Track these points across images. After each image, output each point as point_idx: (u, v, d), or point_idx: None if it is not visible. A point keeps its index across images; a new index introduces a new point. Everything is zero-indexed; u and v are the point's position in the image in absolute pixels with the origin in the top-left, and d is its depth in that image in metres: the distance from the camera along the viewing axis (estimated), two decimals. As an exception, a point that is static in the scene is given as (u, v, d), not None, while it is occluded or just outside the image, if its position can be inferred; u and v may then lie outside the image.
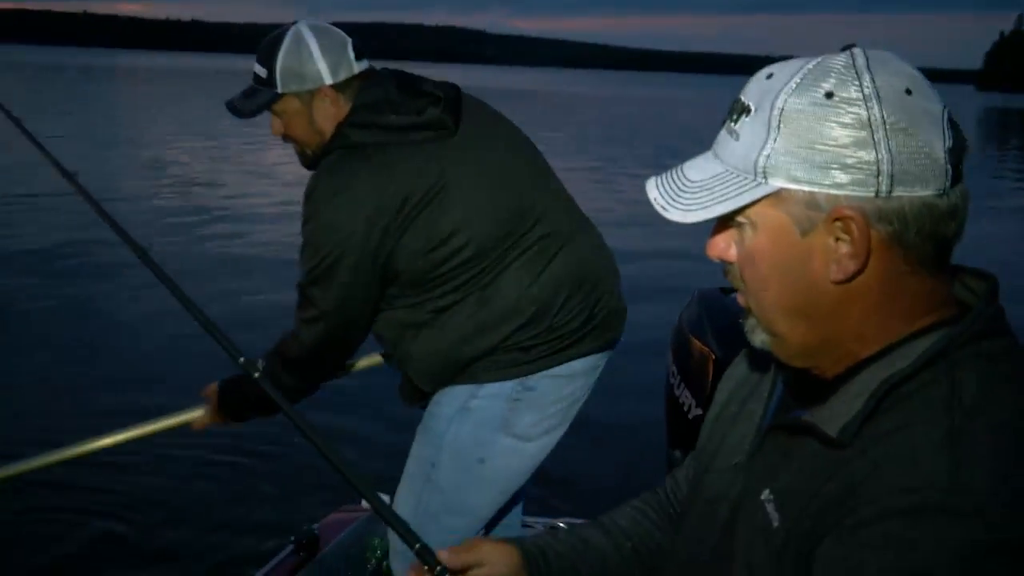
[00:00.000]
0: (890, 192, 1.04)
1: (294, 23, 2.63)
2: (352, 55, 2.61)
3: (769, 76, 1.11)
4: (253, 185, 17.10)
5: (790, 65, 1.10)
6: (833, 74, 1.06)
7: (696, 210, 1.13)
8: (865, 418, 1.06)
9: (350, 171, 2.50)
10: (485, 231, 2.54)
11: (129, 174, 17.03)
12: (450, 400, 2.60)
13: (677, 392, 3.19)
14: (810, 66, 1.08)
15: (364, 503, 3.40)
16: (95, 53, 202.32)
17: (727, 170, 1.12)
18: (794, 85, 1.07)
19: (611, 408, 4.76)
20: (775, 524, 1.13)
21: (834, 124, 1.04)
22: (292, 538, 3.15)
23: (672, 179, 1.18)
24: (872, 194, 1.04)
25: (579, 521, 3.59)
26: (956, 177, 1.06)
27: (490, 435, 2.60)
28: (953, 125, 1.07)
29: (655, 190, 1.18)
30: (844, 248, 1.07)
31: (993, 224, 14.60)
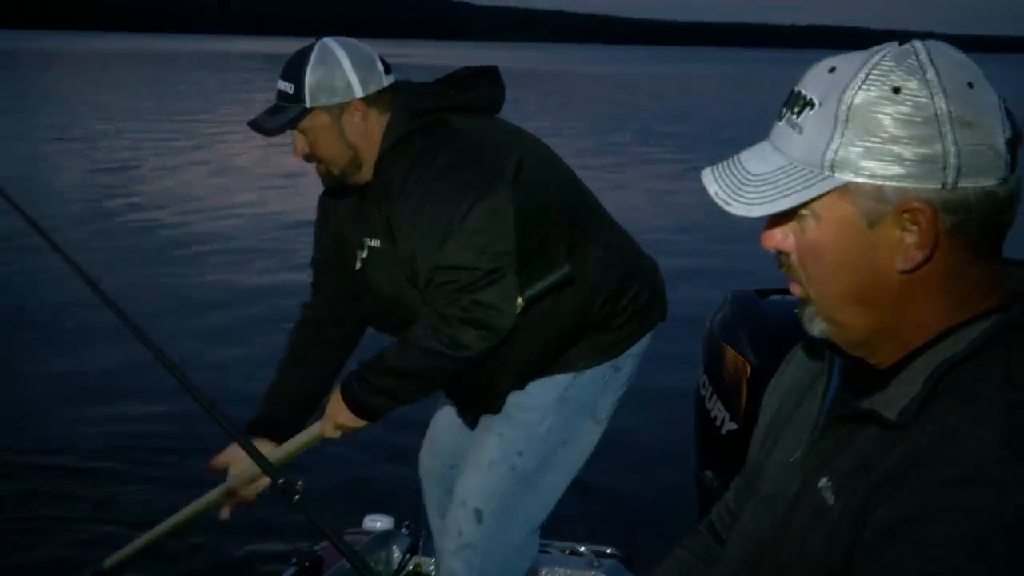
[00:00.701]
0: (956, 183, 1.20)
1: (319, 39, 2.86)
2: (381, 68, 2.85)
3: (832, 70, 1.27)
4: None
5: (853, 59, 1.26)
6: (899, 69, 1.22)
7: (761, 204, 1.28)
8: (924, 400, 1.22)
9: (451, 148, 2.80)
10: (565, 203, 2.92)
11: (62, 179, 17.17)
12: (545, 391, 2.96)
13: (708, 405, 3.26)
14: (875, 60, 1.24)
15: (365, 525, 3.80)
16: (18, 35, 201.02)
17: (791, 163, 1.28)
18: (861, 80, 1.22)
19: (632, 423, 5.05)
20: (830, 503, 1.29)
21: (902, 119, 1.20)
22: (294, 560, 3.44)
23: (731, 171, 1.33)
24: (939, 186, 1.20)
25: (598, 547, 3.76)
26: (1013, 165, 1.23)
27: (579, 420, 3.02)
28: (1010, 115, 1.23)
29: (714, 184, 1.33)
30: (911, 238, 1.23)
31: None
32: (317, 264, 3.23)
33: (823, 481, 1.32)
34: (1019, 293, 1.30)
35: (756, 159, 1.32)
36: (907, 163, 1.20)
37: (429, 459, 3.39)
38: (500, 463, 2.97)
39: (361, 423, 2.89)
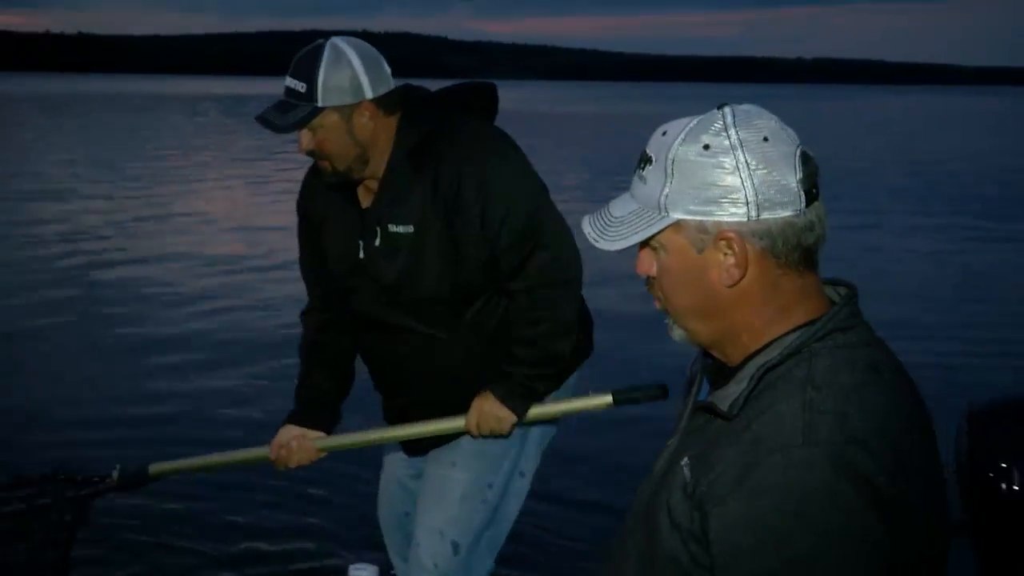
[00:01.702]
0: (759, 216, 1.70)
1: (327, 38, 3.11)
2: (387, 70, 3.16)
3: (664, 133, 1.77)
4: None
5: (678, 123, 1.77)
6: (708, 131, 1.71)
7: (618, 240, 1.80)
8: (747, 396, 1.74)
9: (505, 142, 3.27)
10: None
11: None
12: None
13: None
14: (692, 124, 1.74)
15: (353, 571, 3.90)
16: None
17: (640, 207, 1.79)
18: (680, 140, 1.73)
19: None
20: (687, 479, 1.76)
21: (711, 169, 1.70)
22: None
23: (600, 216, 1.86)
24: (745, 219, 1.70)
25: None
26: (812, 198, 1.73)
27: (534, 451, 3.50)
28: (805, 159, 1.72)
29: (588, 226, 1.86)
30: (730, 260, 1.74)
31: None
32: (308, 272, 3.56)
33: (684, 460, 1.81)
34: (832, 303, 1.82)
35: (617, 206, 1.85)
36: (718, 203, 1.71)
37: (387, 508, 3.75)
38: (472, 497, 3.37)
39: (513, 420, 3.25)
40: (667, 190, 1.73)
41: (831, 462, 1.61)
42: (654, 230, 1.76)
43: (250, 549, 6.11)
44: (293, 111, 3.09)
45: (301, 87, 3.08)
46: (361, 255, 3.25)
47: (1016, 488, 3.34)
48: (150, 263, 15.15)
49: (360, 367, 3.63)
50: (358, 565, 4.02)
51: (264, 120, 3.15)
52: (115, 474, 3.54)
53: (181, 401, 8.64)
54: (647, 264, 1.84)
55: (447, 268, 3.18)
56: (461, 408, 3.26)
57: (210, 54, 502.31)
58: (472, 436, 3.28)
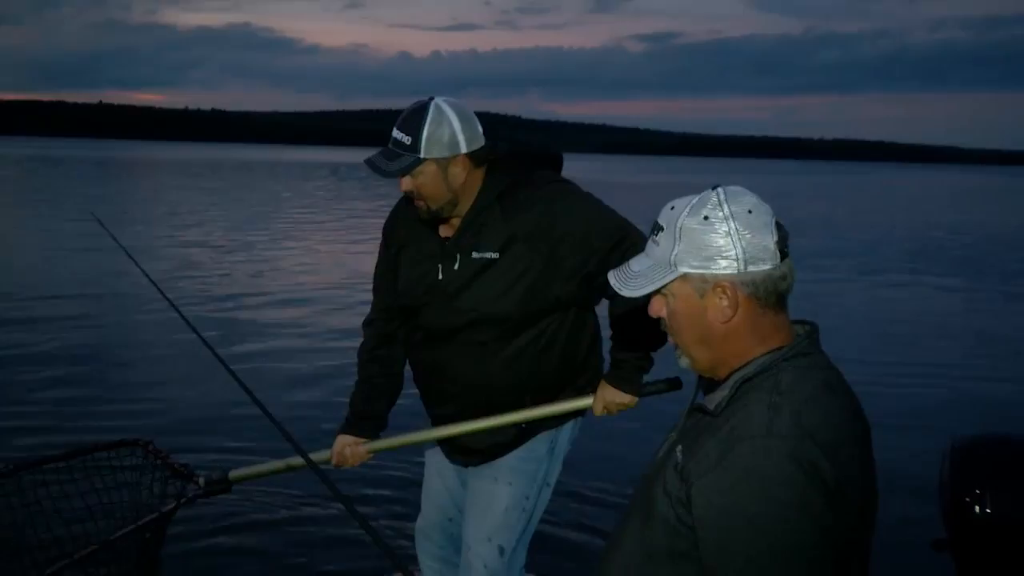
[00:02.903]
0: (746, 269, 2.00)
1: (431, 99, 3.16)
2: (480, 130, 3.22)
3: (672, 208, 2.07)
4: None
5: (683, 200, 2.05)
6: (706, 206, 2.01)
7: (638, 289, 2.10)
8: (728, 400, 2.03)
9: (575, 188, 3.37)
10: None
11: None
12: (540, 445, 3.46)
13: None
14: (694, 201, 2.03)
15: None
16: (112, 145, 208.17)
17: (654, 264, 2.09)
18: (686, 213, 2.02)
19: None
20: (679, 460, 2.05)
21: (710, 235, 2.00)
22: None
23: (622, 271, 2.16)
24: (735, 272, 2.00)
25: None
26: (784, 255, 2.03)
27: (559, 465, 3.58)
28: (779, 226, 2.03)
29: (613, 279, 2.17)
30: (724, 303, 2.04)
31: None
32: (378, 287, 3.60)
33: (679, 448, 2.10)
34: (798, 336, 2.11)
35: (636, 263, 2.15)
36: (715, 260, 2.01)
37: (433, 514, 3.74)
38: (514, 508, 3.44)
39: (634, 400, 3.40)
40: (676, 251, 2.04)
41: (787, 450, 1.87)
42: (665, 281, 2.06)
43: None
44: (399, 159, 3.16)
45: (407, 139, 3.14)
46: (440, 276, 3.30)
47: (989, 511, 3.33)
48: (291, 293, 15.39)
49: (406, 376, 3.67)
50: None
51: (372, 164, 3.22)
52: (201, 480, 3.57)
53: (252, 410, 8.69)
54: (658, 307, 2.14)
55: (521, 292, 3.23)
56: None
57: (321, 128, 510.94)
58: (597, 414, 3.43)
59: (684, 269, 2.03)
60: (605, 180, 78.05)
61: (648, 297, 2.14)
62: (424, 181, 3.18)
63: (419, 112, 3.16)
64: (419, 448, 3.75)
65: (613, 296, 3.22)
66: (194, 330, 2.95)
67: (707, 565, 1.93)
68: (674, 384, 3.40)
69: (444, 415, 3.48)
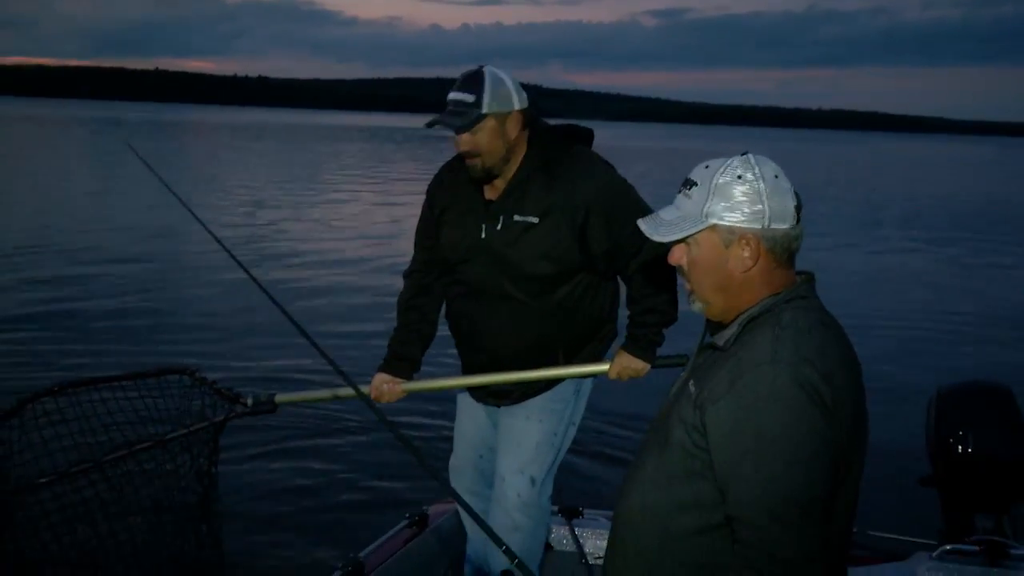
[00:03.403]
0: (769, 226, 2.07)
1: (481, 66, 3.29)
2: (525, 93, 3.31)
3: (706, 166, 2.13)
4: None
5: (717, 161, 2.13)
6: (742, 167, 2.09)
7: (671, 235, 2.15)
8: (736, 336, 2.11)
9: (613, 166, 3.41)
10: None
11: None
12: (567, 387, 3.51)
13: None
14: (730, 162, 2.10)
15: None
16: (167, 108, 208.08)
17: (683, 215, 2.14)
18: (721, 171, 2.09)
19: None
20: (693, 392, 2.13)
21: (743, 191, 2.07)
22: (407, 515, 4.00)
23: (654, 219, 2.21)
24: (760, 227, 2.07)
25: (597, 512, 4.04)
26: (799, 219, 2.10)
27: (583, 406, 3.62)
28: (796, 194, 2.12)
29: (644, 225, 2.22)
30: (746, 254, 2.10)
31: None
32: (417, 240, 3.62)
33: (692, 382, 2.17)
34: (797, 283, 2.16)
35: (667, 213, 2.19)
36: (745, 214, 2.07)
37: (465, 449, 3.75)
38: (545, 443, 3.49)
39: (648, 367, 3.42)
40: (709, 204, 2.10)
41: (789, 374, 1.96)
42: (696, 230, 2.12)
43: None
44: (462, 116, 3.21)
45: (470, 98, 3.21)
46: (483, 235, 3.34)
47: (970, 450, 3.39)
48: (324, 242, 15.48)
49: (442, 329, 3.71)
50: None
51: (441, 123, 3.25)
52: (249, 399, 3.60)
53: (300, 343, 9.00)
54: (679, 256, 2.18)
55: (557, 252, 3.28)
56: (531, 366, 3.40)
57: (358, 95, 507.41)
58: (610, 378, 3.45)
59: (714, 221, 2.09)
60: (621, 146, 77.45)
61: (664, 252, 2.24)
62: (483, 137, 3.23)
63: (477, 75, 3.24)
64: (450, 392, 3.80)
65: (632, 276, 3.34)
66: (241, 265, 3.08)
67: (722, 480, 2.02)
68: (683, 360, 3.39)
69: (477, 363, 3.52)
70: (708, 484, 2.06)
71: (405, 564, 3.70)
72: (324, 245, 16.26)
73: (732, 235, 2.09)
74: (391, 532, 3.87)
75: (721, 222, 2.09)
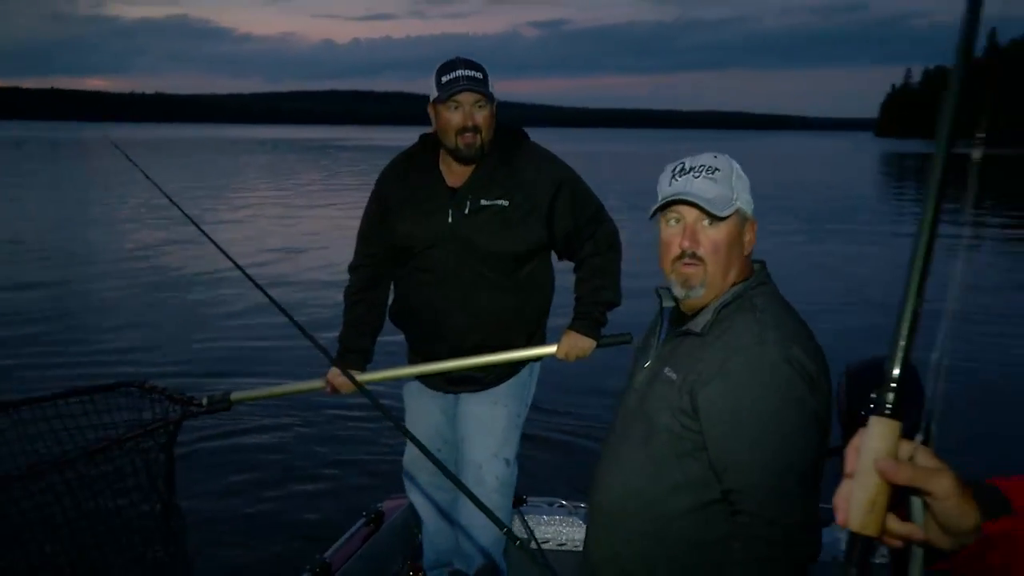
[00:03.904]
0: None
1: (456, 57, 3.32)
2: None
3: (715, 156, 2.21)
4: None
5: (722, 155, 2.22)
6: (734, 164, 2.20)
7: (723, 210, 2.12)
8: (712, 322, 2.12)
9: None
10: None
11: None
12: (525, 370, 3.51)
13: None
14: (726, 156, 2.21)
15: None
16: (65, 127, 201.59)
17: (721, 194, 2.14)
18: (730, 164, 2.19)
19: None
20: (673, 378, 2.13)
21: (744, 183, 2.19)
22: (364, 513, 3.93)
23: (695, 192, 2.14)
24: (751, 213, 2.19)
25: (575, 502, 3.99)
26: None
27: (535, 387, 3.62)
28: None
29: (695, 198, 2.13)
30: (750, 237, 2.20)
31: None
32: (366, 234, 3.55)
33: (667, 369, 2.16)
34: (758, 270, 2.24)
35: (708, 190, 2.14)
36: (748, 203, 2.18)
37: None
38: (511, 425, 3.49)
39: (594, 344, 3.40)
40: (735, 191, 2.15)
41: (778, 352, 2.00)
42: (734, 209, 2.14)
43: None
44: (484, 85, 3.24)
45: (480, 75, 3.24)
46: (450, 220, 3.30)
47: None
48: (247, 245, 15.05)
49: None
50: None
51: (470, 79, 3.24)
52: (205, 400, 3.48)
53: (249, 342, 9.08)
54: (693, 237, 2.15)
55: (526, 232, 3.30)
56: (495, 348, 3.37)
57: (256, 109, 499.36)
58: (560, 359, 3.44)
59: (740, 205, 2.14)
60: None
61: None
62: (488, 116, 3.26)
63: (476, 62, 3.28)
64: (400, 383, 3.69)
65: (585, 258, 3.37)
66: (236, 263, 2.97)
67: (717, 457, 2.03)
68: (625, 338, 3.41)
69: (438, 351, 3.44)
70: (699, 464, 2.07)
71: (366, 561, 3.66)
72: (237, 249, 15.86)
73: (746, 219, 2.18)
74: (351, 531, 3.80)
75: (743, 206, 2.16)
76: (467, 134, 3.24)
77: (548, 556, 3.83)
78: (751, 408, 1.99)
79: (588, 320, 3.39)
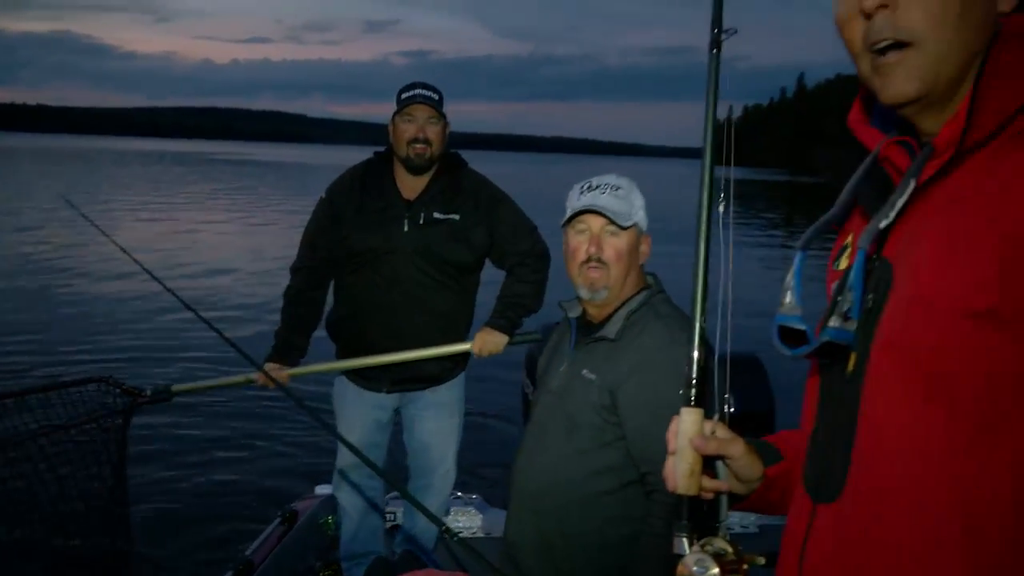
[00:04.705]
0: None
1: (416, 83, 3.42)
2: None
3: (617, 176, 2.33)
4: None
5: (614, 175, 2.34)
6: (633, 182, 2.34)
7: (626, 222, 2.27)
8: (623, 328, 2.22)
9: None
10: None
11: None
12: (459, 381, 3.60)
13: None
14: (626, 177, 2.33)
15: (317, 491, 4.19)
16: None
17: (624, 210, 2.27)
18: (630, 184, 2.32)
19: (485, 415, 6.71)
20: (591, 379, 2.22)
21: (641, 202, 2.33)
22: (279, 512, 3.92)
23: (597, 205, 2.26)
24: (645, 229, 2.33)
25: (467, 495, 4.13)
26: None
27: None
28: None
29: (604, 208, 2.26)
30: (646, 248, 2.33)
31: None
32: (313, 240, 3.52)
33: (585, 371, 2.24)
34: (655, 281, 2.37)
35: (614, 204, 2.27)
36: (643, 219, 2.31)
37: (360, 445, 3.47)
38: (458, 433, 3.61)
39: (506, 341, 3.41)
40: (634, 207, 2.29)
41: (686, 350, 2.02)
42: (632, 223, 2.28)
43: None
44: (437, 103, 3.35)
45: (436, 96, 3.35)
46: (405, 229, 3.35)
47: (732, 410, 3.60)
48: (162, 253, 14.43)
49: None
50: (321, 485, 4.21)
51: (421, 100, 3.33)
52: (148, 391, 3.43)
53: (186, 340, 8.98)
54: (598, 244, 2.27)
55: (474, 243, 3.41)
56: (434, 343, 3.41)
57: (138, 122, 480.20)
58: (474, 356, 3.47)
59: (637, 220, 2.29)
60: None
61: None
62: (439, 131, 3.35)
63: (433, 86, 3.39)
64: (331, 387, 3.66)
65: (515, 266, 3.48)
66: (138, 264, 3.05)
67: (635, 443, 2.15)
68: (535, 336, 3.49)
69: (383, 347, 3.42)
70: (618, 452, 2.18)
71: (283, 559, 3.64)
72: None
73: (642, 233, 2.31)
74: (268, 530, 3.78)
75: (640, 221, 2.30)
76: (418, 144, 3.30)
77: (473, 543, 3.87)
78: (665, 400, 2.01)
79: (503, 319, 3.45)
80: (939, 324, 1.01)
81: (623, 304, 2.28)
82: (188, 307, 3.00)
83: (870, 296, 1.11)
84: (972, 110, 1.04)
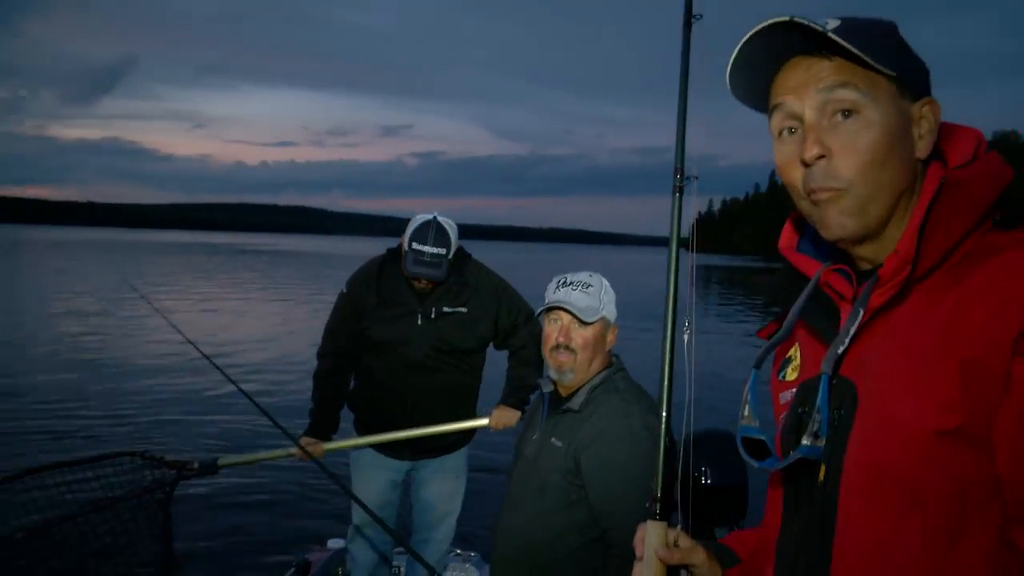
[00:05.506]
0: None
1: (435, 216, 3.37)
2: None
3: (590, 275, 2.43)
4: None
5: (586, 273, 2.42)
6: (604, 281, 2.43)
7: (591, 317, 2.36)
8: (587, 401, 2.29)
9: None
10: None
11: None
12: (464, 449, 3.66)
13: None
14: (598, 274, 2.43)
15: (330, 544, 4.18)
16: (4, 229, 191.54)
17: (592, 305, 2.36)
18: (601, 281, 2.41)
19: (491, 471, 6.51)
20: (559, 446, 2.28)
21: (610, 296, 2.41)
22: (293, 563, 3.94)
23: (567, 302, 2.35)
24: (613, 320, 2.42)
25: (466, 551, 4.08)
26: None
27: None
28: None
29: (571, 306, 2.35)
30: (612, 337, 2.40)
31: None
32: (335, 329, 3.58)
33: (554, 439, 2.31)
34: (615, 360, 2.44)
35: (582, 300, 2.36)
36: (613, 312, 2.38)
37: (376, 508, 3.59)
38: (462, 493, 3.71)
39: (519, 416, 3.45)
40: (603, 300, 2.38)
41: (639, 422, 2.21)
42: (598, 317, 2.36)
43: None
44: (441, 267, 3.35)
45: (443, 252, 3.35)
46: (419, 322, 3.44)
47: (709, 482, 3.51)
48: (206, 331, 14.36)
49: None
50: (333, 539, 4.23)
51: (429, 276, 3.34)
52: (196, 464, 3.40)
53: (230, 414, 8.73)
54: (567, 335, 2.36)
55: (480, 331, 3.51)
56: (448, 419, 3.49)
57: (175, 217, 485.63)
58: (491, 430, 3.51)
59: (605, 313, 2.38)
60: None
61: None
62: (445, 272, 3.39)
63: (441, 229, 3.36)
64: (349, 455, 3.69)
65: (518, 349, 3.58)
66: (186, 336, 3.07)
67: (595, 504, 2.21)
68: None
69: (407, 422, 3.50)
70: (582, 511, 2.24)
71: None
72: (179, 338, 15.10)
73: (609, 324, 2.40)
74: None
75: (608, 315, 2.38)
76: (423, 282, 3.43)
77: None
78: (618, 463, 2.18)
79: (515, 399, 3.55)
80: (912, 443, 1.02)
81: (588, 380, 2.37)
82: (241, 390, 3.05)
83: (836, 412, 1.12)
84: (919, 250, 1.07)
